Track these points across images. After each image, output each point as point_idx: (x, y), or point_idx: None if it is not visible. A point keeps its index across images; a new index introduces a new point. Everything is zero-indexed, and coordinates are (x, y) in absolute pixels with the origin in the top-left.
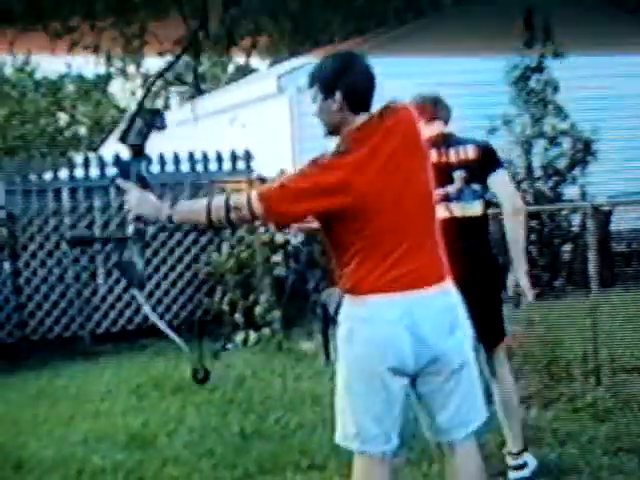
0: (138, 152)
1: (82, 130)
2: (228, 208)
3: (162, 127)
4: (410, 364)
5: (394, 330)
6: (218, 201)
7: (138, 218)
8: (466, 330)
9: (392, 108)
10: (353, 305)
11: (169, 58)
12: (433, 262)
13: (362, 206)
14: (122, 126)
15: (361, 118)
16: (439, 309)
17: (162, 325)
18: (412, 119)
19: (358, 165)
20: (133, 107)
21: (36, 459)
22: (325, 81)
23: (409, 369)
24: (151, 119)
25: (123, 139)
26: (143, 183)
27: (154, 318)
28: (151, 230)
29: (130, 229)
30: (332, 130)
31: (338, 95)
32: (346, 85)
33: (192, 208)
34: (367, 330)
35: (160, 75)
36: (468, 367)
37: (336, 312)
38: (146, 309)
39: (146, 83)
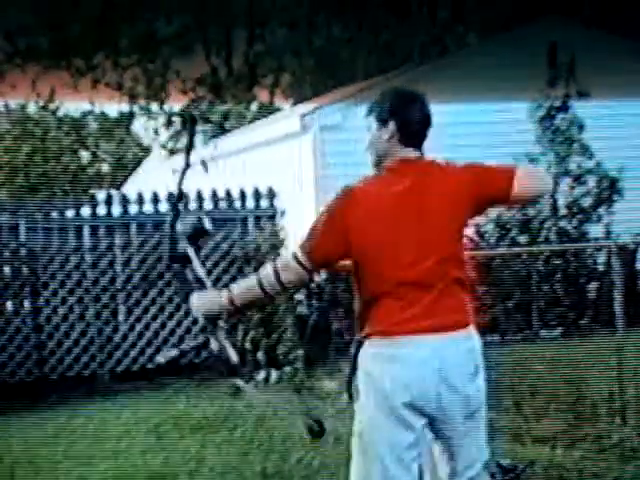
0: (187, 260)
1: (105, 168)
2: (276, 271)
3: (206, 232)
4: (432, 404)
5: (422, 370)
6: (266, 269)
7: (208, 319)
8: (483, 374)
9: (446, 164)
10: (381, 346)
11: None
12: (461, 306)
13: (365, 237)
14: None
15: (409, 152)
16: (466, 352)
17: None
18: (462, 181)
19: (366, 196)
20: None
21: None
22: (381, 111)
23: (430, 409)
24: (191, 227)
25: (171, 252)
26: (201, 283)
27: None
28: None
29: (208, 329)
30: (378, 162)
31: (391, 125)
32: (401, 117)
33: (247, 286)
34: (395, 368)
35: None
36: (482, 408)
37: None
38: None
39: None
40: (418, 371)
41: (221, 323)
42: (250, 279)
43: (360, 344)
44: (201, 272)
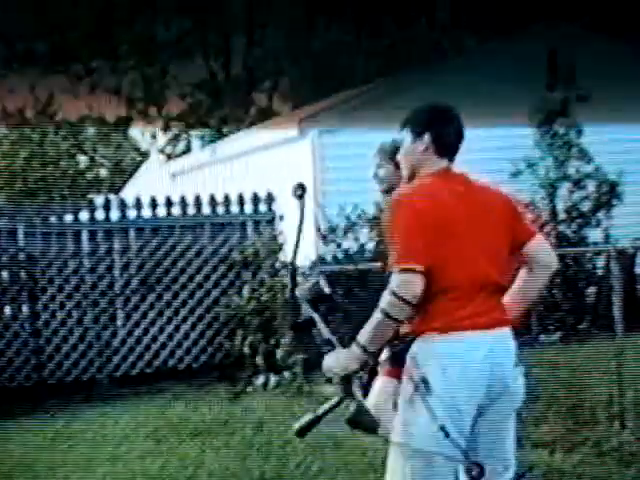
0: (312, 323)
1: (103, 172)
2: (397, 294)
3: (329, 295)
4: (487, 399)
5: (481, 365)
6: (385, 300)
7: (343, 378)
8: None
9: (488, 183)
10: (440, 342)
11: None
12: (503, 307)
13: (444, 227)
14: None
15: (443, 163)
16: (511, 349)
17: None
18: (511, 205)
19: (424, 192)
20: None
21: None
22: (417, 123)
23: (485, 404)
24: (311, 292)
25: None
26: (330, 344)
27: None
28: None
29: (341, 389)
30: (412, 174)
31: (427, 137)
32: (436, 129)
33: (374, 326)
34: (456, 364)
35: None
36: (516, 412)
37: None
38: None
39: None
40: (478, 366)
41: (355, 380)
42: (374, 319)
43: (408, 342)
44: (328, 334)
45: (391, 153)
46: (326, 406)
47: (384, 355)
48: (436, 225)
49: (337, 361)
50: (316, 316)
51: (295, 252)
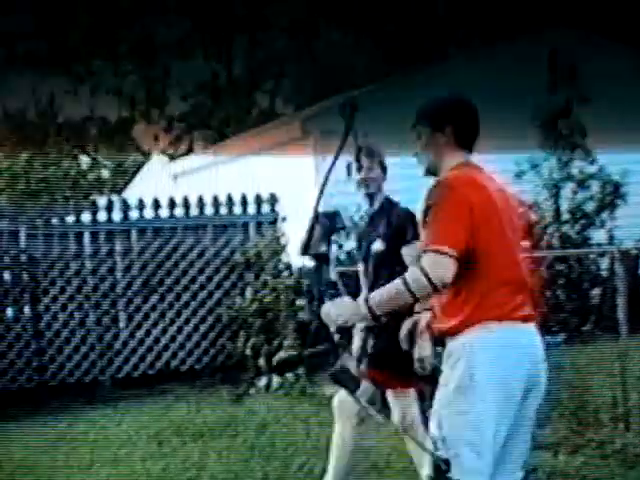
0: (324, 259)
1: (105, 173)
2: (426, 273)
3: (342, 227)
4: (529, 390)
5: (528, 358)
6: (413, 273)
7: (340, 329)
8: None
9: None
10: (497, 330)
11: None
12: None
13: (487, 223)
14: (302, 238)
15: (464, 155)
16: (540, 344)
17: None
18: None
19: (473, 182)
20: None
21: None
22: (436, 116)
23: (528, 394)
24: (330, 223)
25: (305, 251)
26: (334, 288)
27: None
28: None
29: (336, 338)
30: (431, 168)
31: (448, 130)
32: (457, 121)
33: (392, 293)
34: (515, 355)
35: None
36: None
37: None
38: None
39: (320, 186)
40: (530, 356)
41: (351, 347)
42: (393, 285)
43: (457, 330)
44: (335, 276)
45: (377, 155)
46: (312, 350)
47: (357, 353)
48: (484, 215)
49: (339, 310)
50: (329, 253)
51: (326, 181)
